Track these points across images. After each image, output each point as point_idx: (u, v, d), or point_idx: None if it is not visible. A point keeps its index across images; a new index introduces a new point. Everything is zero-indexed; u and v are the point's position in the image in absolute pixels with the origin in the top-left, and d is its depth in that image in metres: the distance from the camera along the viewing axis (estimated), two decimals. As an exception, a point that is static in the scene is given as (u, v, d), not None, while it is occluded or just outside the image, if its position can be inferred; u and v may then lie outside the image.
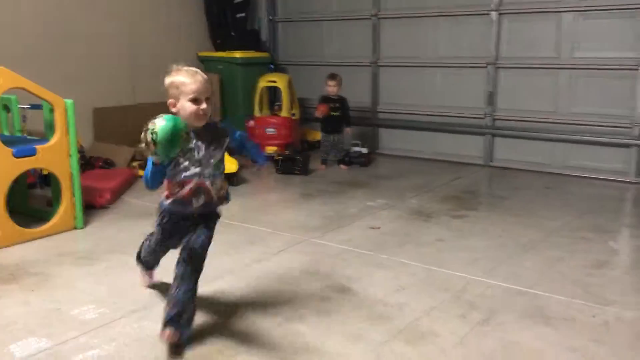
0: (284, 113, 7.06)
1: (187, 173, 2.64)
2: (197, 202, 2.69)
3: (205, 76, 2.68)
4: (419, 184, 5.94)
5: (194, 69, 2.69)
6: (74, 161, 4.33)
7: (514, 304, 3.18)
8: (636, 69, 5.73)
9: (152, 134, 2.36)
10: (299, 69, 8.09)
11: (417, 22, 7.04)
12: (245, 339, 2.82)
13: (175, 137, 2.40)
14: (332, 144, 6.71)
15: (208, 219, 2.81)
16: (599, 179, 6.02)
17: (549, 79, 6.28)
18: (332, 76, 6.64)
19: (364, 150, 6.87)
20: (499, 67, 6.54)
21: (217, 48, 7.73)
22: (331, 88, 6.60)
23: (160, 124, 2.39)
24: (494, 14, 6.45)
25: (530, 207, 5.10)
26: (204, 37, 7.83)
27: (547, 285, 3.43)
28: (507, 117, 6.59)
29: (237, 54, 7.40)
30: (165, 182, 2.67)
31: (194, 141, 2.62)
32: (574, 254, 3.95)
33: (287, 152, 6.58)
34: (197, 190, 2.67)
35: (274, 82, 7.13)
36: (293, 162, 6.33)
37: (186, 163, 2.63)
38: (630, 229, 4.60)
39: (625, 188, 5.79)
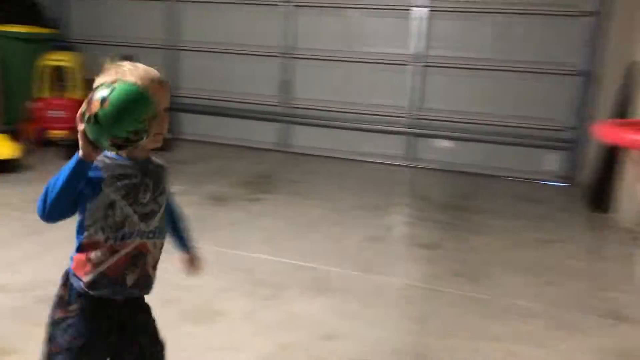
0: (75, 95, 6.63)
1: (126, 229, 1.62)
2: (131, 279, 1.67)
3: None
4: (218, 169, 6.03)
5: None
6: None
7: (299, 278, 3.44)
8: (405, 65, 6.43)
9: (110, 89, 1.42)
10: (93, 48, 7.62)
11: (217, 8, 7.08)
12: None
13: (140, 108, 1.45)
14: None
15: (139, 312, 1.79)
16: (381, 163, 6.67)
17: (340, 70, 6.76)
18: (127, 58, 6.36)
19: (169, 135, 6.74)
20: (295, 57, 6.87)
21: (-7, 21, 6.96)
22: None
23: (126, 85, 1.47)
24: (290, 6, 6.74)
25: (320, 190, 5.49)
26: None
27: (328, 259, 3.76)
28: (302, 105, 6.96)
29: (19, 29, 6.75)
30: (78, 240, 1.63)
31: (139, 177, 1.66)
32: (352, 229, 4.36)
33: (73, 137, 6.20)
34: (136, 258, 1.67)
35: (61, 60, 6.65)
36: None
37: (125, 206, 1.61)
38: (401, 207, 5.19)
39: (402, 171, 6.49)
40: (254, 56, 7.02)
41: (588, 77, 5.93)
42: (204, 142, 7.27)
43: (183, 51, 7.32)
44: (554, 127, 6.16)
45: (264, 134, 7.13)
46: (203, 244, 3.84)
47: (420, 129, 6.56)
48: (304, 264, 3.67)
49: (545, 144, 6.21)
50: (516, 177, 6.30)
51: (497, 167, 6.38)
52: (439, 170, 6.49)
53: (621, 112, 5.03)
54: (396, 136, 6.66)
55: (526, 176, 6.29)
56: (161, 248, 1.76)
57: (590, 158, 5.72)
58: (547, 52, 6.05)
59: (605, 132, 1.09)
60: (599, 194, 5.22)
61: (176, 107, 7.43)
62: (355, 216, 4.72)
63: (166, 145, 6.35)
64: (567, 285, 3.58)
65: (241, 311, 3.01)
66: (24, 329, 2.69)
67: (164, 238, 1.76)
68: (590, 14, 5.82)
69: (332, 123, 6.85)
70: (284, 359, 2.60)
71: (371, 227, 4.45)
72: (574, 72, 5.99)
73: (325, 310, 3.07)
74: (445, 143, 6.52)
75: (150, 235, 1.68)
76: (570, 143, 6.13)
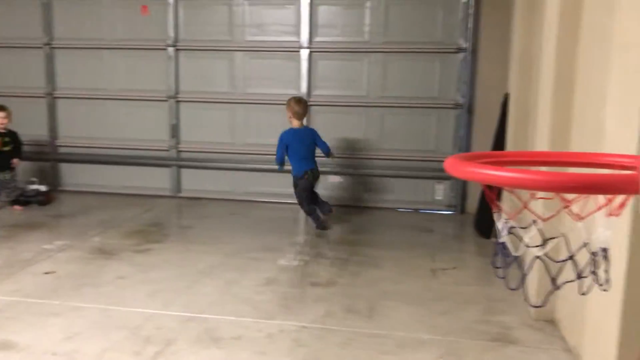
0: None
1: None
2: None
3: None
4: (104, 220, 5.73)
5: None
6: None
7: (188, 331, 3.29)
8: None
9: None
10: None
11: (94, 54, 6.84)
12: None
13: None
14: (3, 183, 6.03)
15: None
16: (275, 202, 6.63)
17: (226, 112, 6.71)
18: (1, 107, 6.02)
19: (43, 188, 6.36)
20: (179, 101, 6.74)
21: None
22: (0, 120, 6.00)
23: None
24: (170, 50, 6.64)
25: (213, 234, 5.35)
26: None
27: (220, 307, 3.64)
28: (191, 148, 6.82)
29: None
30: None
31: None
32: (246, 274, 4.26)
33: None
34: None
35: None
36: (-49, 207, 5.51)
37: None
38: (297, 246, 5.16)
39: (297, 209, 6.47)
40: (138, 101, 6.81)
41: (466, 110, 6.26)
42: (87, 193, 6.90)
43: (60, 99, 6.97)
44: (438, 158, 6.42)
45: (152, 180, 6.90)
46: (85, 304, 3.64)
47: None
48: (194, 315, 3.52)
49: (432, 174, 6.45)
50: (407, 208, 6.48)
51: (388, 199, 6.54)
52: (333, 205, 6.54)
53: (499, 142, 5.33)
54: (288, 174, 6.66)
55: (417, 207, 6.48)
56: None
57: (475, 186, 6.00)
58: (426, 87, 6.34)
59: (450, 166, 1.13)
60: (483, 221, 5.46)
61: (55, 158, 7.05)
62: (249, 259, 4.62)
63: (46, 199, 6.07)
64: (459, 313, 3.66)
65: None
66: None
67: None
68: (462, 50, 6.18)
69: (222, 165, 6.75)
70: (171, 421, 2.44)
71: (265, 270, 4.37)
72: (453, 106, 6.31)
73: (216, 363, 2.94)
74: (336, 178, 6.61)
75: None
76: (454, 172, 6.41)
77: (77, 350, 3.03)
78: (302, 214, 6.34)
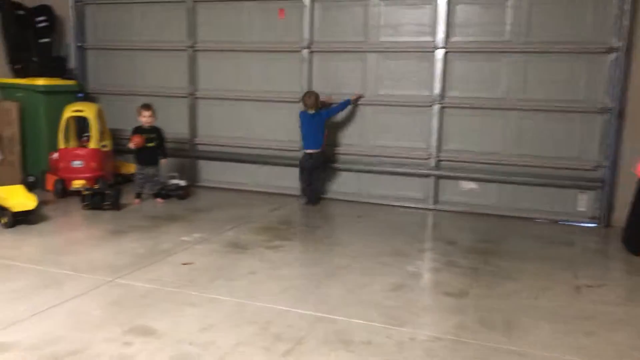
0: (93, 144, 6.65)
1: None
2: None
3: None
4: (237, 216, 5.92)
5: None
6: None
7: (317, 332, 3.26)
8: (430, 106, 6.33)
9: None
10: (111, 98, 7.72)
11: (232, 56, 7.12)
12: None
13: None
14: (147, 177, 6.44)
15: None
16: (403, 206, 6.50)
17: (357, 113, 6.69)
18: (146, 106, 6.43)
19: (182, 183, 6.71)
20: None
21: (17, 74, 7.10)
22: (145, 118, 6.38)
23: None
24: (305, 52, 6.73)
25: (340, 235, 5.34)
26: (1, 62, 7.14)
27: (349, 310, 3.58)
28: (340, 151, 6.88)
29: (40, 81, 6.86)
30: None
31: None
32: (374, 278, 4.18)
33: (96, 186, 6.20)
34: None
35: (81, 111, 6.71)
36: (103, 197, 5.97)
37: None
38: (426, 253, 5.00)
39: (424, 214, 6.31)
40: (271, 102, 7.00)
41: (616, 114, 5.74)
42: (222, 189, 7.20)
43: (200, 99, 7.34)
44: (582, 166, 5.95)
45: (281, 179, 7.04)
46: (220, 296, 3.75)
47: (442, 171, 6.40)
48: (323, 315, 3.49)
49: (575, 183, 5.99)
50: (545, 219, 6.07)
51: (524, 208, 6.16)
52: (464, 212, 6.29)
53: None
54: (418, 178, 6.51)
55: (555, 217, 6.05)
56: None
57: (623, 197, 5.48)
58: (571, 90, 5.90)
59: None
60: (634, 236, 4.97)
61: (194, 155, 7.42)
62: (378, 263, 4.54)
63: (184, 193, 6.40)
64: (608, 335, 3.33)
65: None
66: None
67: None
68: (613, 49, 5.68)
69: (350, 166, 6.74)
70: (301, 422, 2.41)
71: (394, 275, 4.26)
72: (601, 110, 5.82)
73: (346, 366, 2.88)
74: (470, 185, 6.34)
75: None
76: (600, 182, 5.90)
77: (212, 341, 3.11)
78: (430, 219, 6.17)
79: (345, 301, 3.74)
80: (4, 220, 5.17)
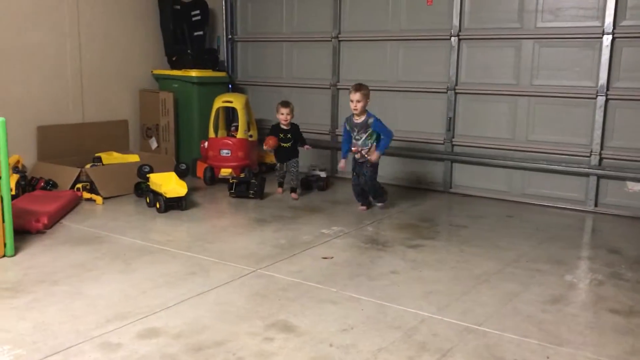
0: (240, 134, 6.84)
1: None
2: None
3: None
4: (377, 211, 5.78)
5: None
6: (4, 183, 4.03)
7: (466, 344, 3.01)
8: (594, 98, 5.72)
9: None
10: (258, 89, 7.92)
11: (377, 45, 6.95)
12: (174, 385, 2.57)
13: None
14: (286, 171, 6.41)
15: None
16: (558, 207, 5.97)
17: (507, 105, 6.23)
18: (285, 104, 6.25)
19: (323, 174, 6.70)
20: (458, 93, 6.47)
21: (173, 66, 7.50)
22: (283, 116, 6.19)
23: None
24: (454, 39, 6.39)
25: (488, 237, 4.98)
26: (158, 54, 7.58)
27: (500, 322, 3.28)
28: (466, 143, 6.51)
29: (194, 73, 7.18)
30: None
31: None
32: (529, 287, 3.82)
33: (242, 175, 6.36)
34: None
35: (230, 102, 6.92)
36: (248, 186, 6.11)
37: None
38: (586, 261, 4.50)
39: (583, 217, 5.74)
40: (417, 92, 6.73)
41: None
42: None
43: (342, 90, 7.25)
44: None
45: (425, 172, 6.77)
46: (360, 295, 3.62)
47: (605, 170, 5.76)
48: (471, 325, 3.22)
49: None
50: None
51: None
52: (628, 217, 5.63)
53: None
54: (576, 177, 5.93)
55: None
56: None
57: None
58: None
59: None
60: None
61: (334, 146, 7.37)
62: (531, 270, 4.15)
63: (325, 185, 6.39)
64: None
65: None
66: (174, 381, 2.60)
67: None
68: None
69: (499, 162, 6.29)
70: None
71: (550, 285, 3.87)
72: None
73: (498, 387, 2.61)
74: (638, 186, 5.65)
75: None
76: None
77: (353, 345, 2.99)
78: (590, 223, 5.60)
79: (496, 312, 3.44)
80: (158, 205, 5.46)
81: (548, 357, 2.89)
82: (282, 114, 6.21)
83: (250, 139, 6.95)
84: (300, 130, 6.44)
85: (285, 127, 6.28)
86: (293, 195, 6.24)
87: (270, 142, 6.15)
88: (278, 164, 6.39)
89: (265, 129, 7.48)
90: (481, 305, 3.53)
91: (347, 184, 7.01)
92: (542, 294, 3.72)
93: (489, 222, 5.50)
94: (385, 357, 2.87)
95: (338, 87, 7.28)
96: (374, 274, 4.01)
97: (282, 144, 6.25)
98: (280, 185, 6.43)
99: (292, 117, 6.29)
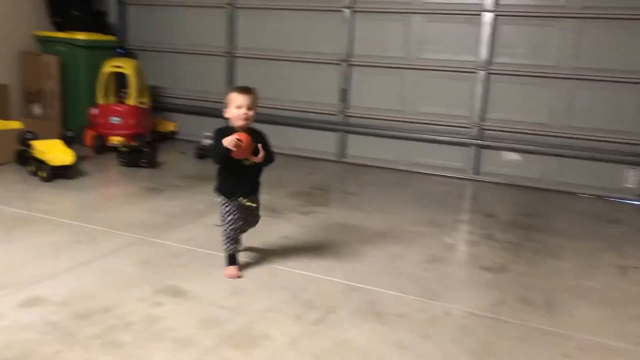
0: (131, 101, 6.63)
1: None
2: None
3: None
4: (272, 179, 5.80)
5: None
6: None
7: (350, 301, 3.19)
8: (475, 72, 6.08)
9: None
10: (150, 55, 7.66)
11: (274, 15, 6.94)
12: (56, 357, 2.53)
13: None
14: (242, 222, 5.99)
15: None
16: (442, 175, 6.33)
17: (397, 78, 6.47)
18: (244, 90, 3.44)
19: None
20: (351, 65, 6.63)
21: (58, 28, 7.08)
22: (242, 112, 3.35)
23: None
24: (347, 11, 6.52)
25: (377, 203, 5.22)
26: (42, 14, 7.12)
27: (383, 280, 3.49)
28: (359, 114, 6.71)
29: (81, 36, 6.82)
30: None
31: None
32: (410, 248, 4.07)
33: (133, 143, 6.19)
34: None
35: (120, 67, 6.67)
36: (140, 154, 5.97)
37: None
38: (464, 225, 4.85)
39: (464, 185, 6.13)
40: (311, 63, 6.82)
41: (674, 87, 5.41)
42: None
43: (239, 58, 7.21)
44: (633, 141, 5.65)
45: (318, 143, 6.92)
46: (252, 259, 3.70)
47: (485, 140, 6.18)
48: (356, 284, 3.41)
49: (624, 158, 5.71)
50: (591, 194, 5.82)
51: (569, 182, 5.92)
52: (505, 184, 6.09)
53: None
54: (458, 147, 6.31)
55: (601, 193, 5.80)
56: None
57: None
58: (623, 59, 5.56)
59: None
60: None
61: (213, 114, 7.33)
62: (414, 233, 4.42)
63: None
64: (653, 320, 3.16)
65: (286, 336, 2.78)
66: (53, 348, 2.56)
67: None
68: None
69: (390, 133, 6.55)
70: (330, 395, 2.35)
71: (430, 247, 4.14)
72: (658, 81, 5.49)
73: (376, 339, 2.80)
74: (513, 156, 6.11)
75: None
76: (652, 158, 5.61)
77: (242, 306, 3.07)
78: (470, 190, 6.00)
79: (380, 271, 3.65)
80: (42, 174, 5.22)
81: (424, 311, 3.12)
82: (240, 106, 3.34)
83: (142, 105, 6.75)
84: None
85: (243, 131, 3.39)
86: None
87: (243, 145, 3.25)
88: (226, 202, 3.48)
89: (159, 96, 7.30)
90: (367, 265, 3.73)
91: (242, 153, 7.02)
92: (422, 254, 3.98)
93: (379, 189, 5.75)
94: (273, 316, 2.97)
95: (233, 54, 7.22)
96: (267, 240, 4.10)
97: (241, 162, 3.39)
98: (232, 258, 3.51)
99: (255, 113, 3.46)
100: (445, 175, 6.33)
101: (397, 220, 4.72)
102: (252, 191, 3.59)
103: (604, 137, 5.73)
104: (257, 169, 3.55)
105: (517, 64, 5.94)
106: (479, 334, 2.91)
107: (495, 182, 6.15)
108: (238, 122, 3.38)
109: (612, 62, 5.61)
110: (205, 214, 4.59)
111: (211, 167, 6.19)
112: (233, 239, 3.51)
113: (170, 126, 7.49)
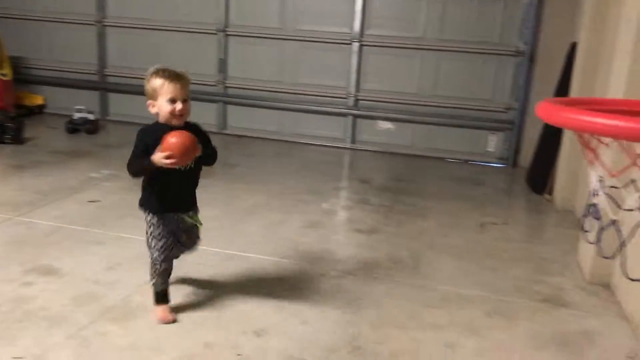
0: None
1: None
2: None
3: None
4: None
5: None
6: None
7: (231, 270, 3.24)
8: (350, 44, 6.26)
9: None
10: (11, 23, 7.10)
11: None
12: None
13: None
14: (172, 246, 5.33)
15: None
16: (322, 145, 6.50)
17: (275, 49, 6.52)
18: (175, 77, 2.70)
19: (91, 116, 6.37)
20: (229, 35, 6.57)
21: None
22: (175, 106, 2.64)
23: None
24: (221, -18, 6.44)
25: (258, 174, 5.28)
26: None
27: (263, 247, 3.58)
28: (238, 85, 6.68)
29: None
30: None
31: None
32: (291, 216, 4.19)
33: (-5, 118, 5.77)
34: None
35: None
36: (3, 130, 5.58)
37: None
38: (341, 191, 5.05)
39: (342, 153, 6.35)
40: (187, 33, 6.67)
41: (528, 58, 5.90)
42: (135, 123, 6.79)
43: (110, 27, 6.89)
44: (494, 108, 6.12)
45: (198, 115, 6.75)
46: (128, 234, 3.63)
47: (360, 110, 6.41)
48: (236, 253, 3.47)
49: (486, 125, 6.18)
50: (457, 159, 6.26)
51: (438, 148, 6.32)
52: (380, 152, 6.38)
53: (561, 93, 5.02)
54: (336, 117, 6.50)
55: (467, 158, 6.25)
56: None
57: (530, 139, 5.72)
58: (486, 32, 5.99)
59: (544, 111, 0.94)
60: (536, 176, 5.22)
61: (104, 87, 7.04)
62: (294, 201, 4.54)
63: (93, 127, 5.98)
64: (508, 270, 3.51)
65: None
66: None
67: None
68: (530, -6, 5.78)
69: (270, 104, 6.61)
70: (209, 359, 2.41)
71: (309, 213, 4.29)
72: (514, 53, 5.96)
73: (256, 303, 2.89)
74: (386, 124, 6.41)
75: None
76: (510, 124, 6.12)
77: (118, 280, 3.03)
78: (347, 158, 6.22)
79: (260, 239, 3.73)
80: None
81: (301, 273, 3.26)
82: (174, 99, 2.59)
83: (3, 78, 6.27)
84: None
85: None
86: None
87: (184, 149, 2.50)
88: (157, 221, 2.72)
89: (25, 68, 6.81)
90: (248, 234, 3.80)
91: (119, 126, 6.78)
92: (302, 220, 4.11)
93: (260, 160, 5.81)
94: (148, 288, 2.96)
95: (104, 23, 6.88)
96: (142, 214, 4.02)
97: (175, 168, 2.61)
98: (163, 295, 2.75)
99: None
100: (325, 145, 6.50)
101: (278, 189, 4.82)
102: (192, 203, 2.78)
103: (467, 105, 6.16)
104: (196, 172, 2.69)
105: (387, 36, 6.20)
106: (352, 290, 3.09)
107: (371, 150, 6.42)
108: (172, 121, 2.51)
109: (472, 34, 6.01)
110: (77, 191, 4.42)
111: (84, 141, 5.94)
112: (164, 271, 2.65)
113: (37, 99, 7.04)
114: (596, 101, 1.21)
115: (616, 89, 3.27)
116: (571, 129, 1.09)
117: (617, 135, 0.84)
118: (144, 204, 2.70)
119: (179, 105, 2.52)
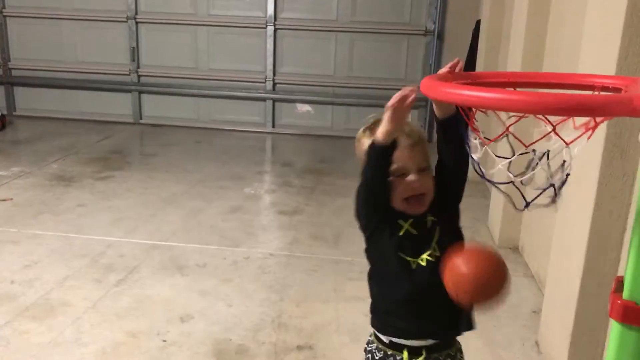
0: None
1: None
2: None
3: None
4: (63, 147, 5.53)
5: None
6: None
7: (152, 259, 3.23)
8: (264, 28, 6.26)
9: None
10: None
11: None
12: None
13: None
14: None
15: None
16: (243, 131, 6.50)
17: (188, 35, 6.42)
18: None
19: (-4, 113, 6.08)
20: (139, 22, 6.41)
21: None
22: None
23: None
24: (130, -35, 6.26)
25: (177, 162, 5.23)
26: None
27: (185, 236, 3.58)
28: (152, 73, 6.55)
29: None
30: None
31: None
32: (212, 203, 4.19)
33: None
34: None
35: None
36: None
37: None
38: (263, 175, 5.10)
39: (263, 138, 6.38)
40: (95, 21, 6.45)
41: (437, 37, 6.12)
42: (44, 118, 6.62)
43: (10, 17, 6.56)
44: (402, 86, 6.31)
45: (112, 106, 6.64)
46: (44, 231, 3.53)
47: (278, 94, 6.45)
48: (158, 242, 3.45)
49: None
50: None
51: (356, 128, 6.41)
52: (300, 135, 6.45)
53: (469, 69, 5.25)
54: (255, 102, 6.51)
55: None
56: None
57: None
58: (397, 12, 6.15)
59: (427, 87, 1.03)
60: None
61: (8, 81, 6.71)
62: (215, 188, 4.54)
63: (0, 124, 5.66)
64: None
65: (87, 301, 2.75)
66: None
67: None
68: (435, -26, 5.99)
69: (187, 91, 6.53)
70: (134, 348, 2.41)
71: (231, 199, 4.30)
72: (424, 32, 6.15)
73: (180, 290, 2.90)
74: (305, 107, 6.48)
75: None
76: (424, 101, 6.33)
77: (37, 277, 2.95)
78: (269, 142, 6.26)
79: (182, 227, 3.72)
80: None
81: (225, 258, 3.29)
82: (406, 171, 1.44)
83: None
84: None
85: None
86: None
87: None
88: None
89: None
90: (168, 223, 3.78)
91: (27, 122, 6.51)
92: (223, 206, 4.13)
93: (179, 149, 5.75)
94: (72, 283, 2.92)
95: (4, 14, 6.54)
96: (60, 210, 3.92)
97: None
98: None
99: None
100: (245, 130, 6.50)
101: (198, 177, 4.80)
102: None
103: (382, 85, 6.31)
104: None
105: (301, 19, 6.24)
106: (276, 271, 3.16)
107: (292, 133, 6.49)
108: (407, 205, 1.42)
109: (384, 15, 6.16)
110: (-13, 190, 4.23)
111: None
112: None
113: None
114: (484, 75, 1.31)
115: (514, 63, 3.48)
116: (446, 102, 1.19)
117: (482, 105, 0.93)
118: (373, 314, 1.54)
119: (413, 177, 1.41)
